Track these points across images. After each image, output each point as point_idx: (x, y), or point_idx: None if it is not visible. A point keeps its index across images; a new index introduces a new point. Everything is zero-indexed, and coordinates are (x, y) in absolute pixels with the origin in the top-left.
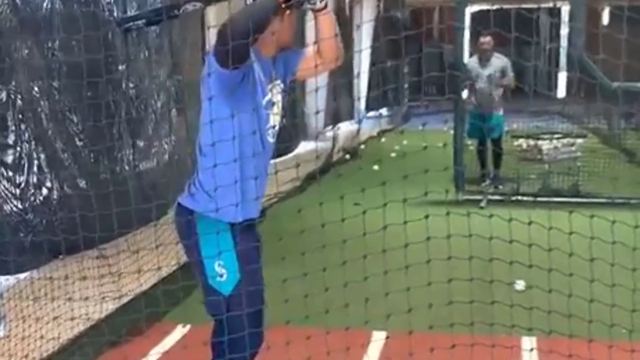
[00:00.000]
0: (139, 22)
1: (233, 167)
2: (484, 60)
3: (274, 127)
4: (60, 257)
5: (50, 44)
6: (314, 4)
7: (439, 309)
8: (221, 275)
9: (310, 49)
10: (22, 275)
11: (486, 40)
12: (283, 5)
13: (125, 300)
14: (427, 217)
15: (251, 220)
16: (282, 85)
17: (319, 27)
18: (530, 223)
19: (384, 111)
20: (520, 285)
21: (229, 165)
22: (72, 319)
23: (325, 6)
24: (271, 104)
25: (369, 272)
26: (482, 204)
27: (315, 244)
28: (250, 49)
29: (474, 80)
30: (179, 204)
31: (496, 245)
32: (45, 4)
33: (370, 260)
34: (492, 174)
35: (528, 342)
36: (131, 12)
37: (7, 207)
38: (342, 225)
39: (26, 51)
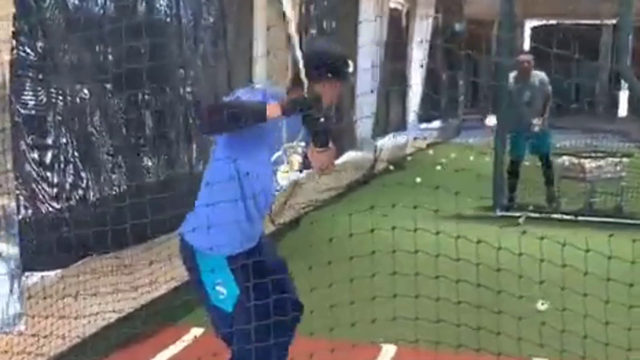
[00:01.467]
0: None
1: (230, 207)
2: (523, 78)
3: (281, 184)
4: (90, 256)
5: (101, 47)
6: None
7: (463, 326)
8: (222, 294)
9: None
10: (50, 273)
11: (526, 58)
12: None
13: (142, 302)
14: (458, 237)
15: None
16: (305, 150)
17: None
18: (564, 245)
19: (436, 124)
20: (542, 305)
21: (225, 204)
22: (89, 316)
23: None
24: (280, 161)
25: (398, 285)
26: (520, 220)
27: (343, 254)
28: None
29: (516, 98)
30: (182, 237)
31: (525, 263)
32: (97, 8)
33: (396, 274)
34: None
35: None
36: (185, 15)
37: (43, 207)
38: (372, 237)
39: (74, 53)
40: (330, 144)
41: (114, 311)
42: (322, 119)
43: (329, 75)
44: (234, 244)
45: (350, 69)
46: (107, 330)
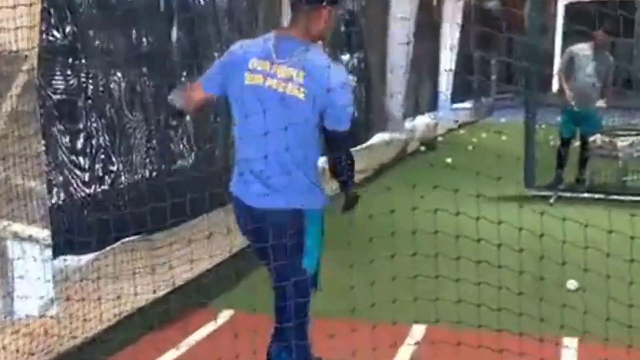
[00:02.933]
0: None
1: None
2: (595, 53)
3: None
4: (124, 240)
5: (134, 31)
6: None
7: (486, 306)
8: (313, 255)
9: None
10: (83, 257)
11: (601, 35)
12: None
13: (176, 283)
14: (477, 218)
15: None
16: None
17: None
18: (586, 225)
19: (468, 104)
20: (572, 285)
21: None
22: (122, 299)
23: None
24: None
25: (417, 265)
26: (552, 200)
27: (366, 236)
28: None
29: (573, 71)
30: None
31: (556, 244)
32: None
33: (404, 250)
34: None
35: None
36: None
37: (75, 192)
38: (394, 218)
39: (105, 37)
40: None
41: (146, 293)
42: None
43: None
44: (325, 199)
45: None
46: (141, 312)
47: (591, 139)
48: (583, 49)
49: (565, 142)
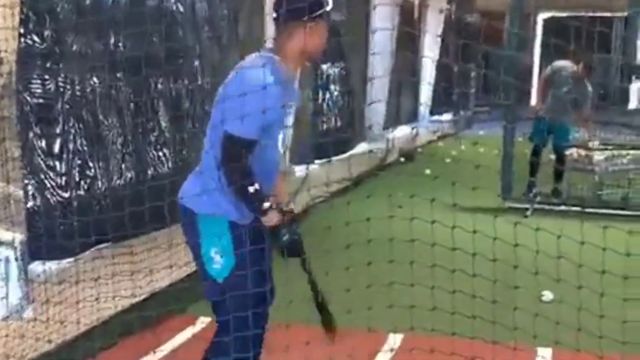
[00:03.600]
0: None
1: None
2: (574, 81)
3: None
4: (100, 246)
5: (113, 36)
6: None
7: (460, 314)
8: (218, 263)
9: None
10: (60, 262)
11: (582, 68)
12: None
13: (152, 289)
14: (453, 227)
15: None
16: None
17: None
18: (559, 237)
19: (447, 116)
20: (547, 296)
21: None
22: (98, 303)
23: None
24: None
25: (395, 275)
26: (528, 213)
27: (343, 243)
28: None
29: (553, 84)
30: (182, 203)
31: (531, 255)
32: None
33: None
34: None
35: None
36: (200, 4)
37: (51, 196)
38: (370, 225)
39: (83, 42)
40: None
41: (123, 298)
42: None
43: (308, 15)
44: (240, 212)
45: (330, 6)
46: (117, 317)
47: (567, 152)
48: (565, 67)
49: (537, 150)
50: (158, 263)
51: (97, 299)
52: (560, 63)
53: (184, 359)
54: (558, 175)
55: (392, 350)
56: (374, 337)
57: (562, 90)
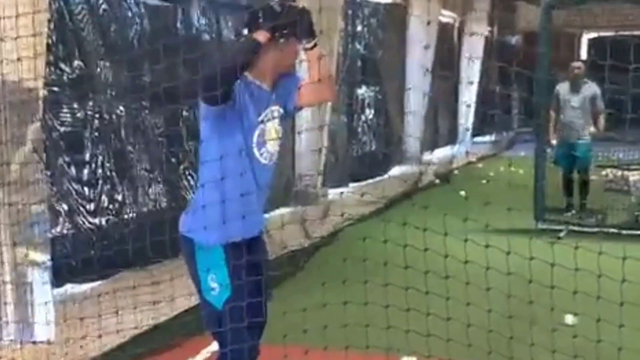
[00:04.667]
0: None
1: (215, 187)
2: (574, 87)
3: (270, 152)
4: (124, 271)
5: (137, 65)
6: (303, 43)
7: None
8: (214, 289)
9: (305, 81)
10: (85, 286)
11: (577, 65)
12: (264, 42)
13: (170, 313)
14: (487, 246)
15: (240, 242)
16: (280, 111)
17: (310, 65)
18: (600, 253)
19: (488, 137)
20: (570, 319)
21: (211, 185)
22: (119, 328)
23: (315, 45)
24: (265, 130)
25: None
26: (562, 234)
27: (378, 264)
28: (232, 90)
29: (561, 107)
30: (182, 235)
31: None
32: (134, 26)
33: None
34: (579, 204)
35: None
36: (227, 31)
37: (80, 222)
38: (406, 250)
39: (110, 72)
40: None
41: (142, 324)
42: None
43: (279, 34)
44: (234, 229)
45: (302, 27)
46: (138, 339)
47: (602, 172)
48: (563, 86)
49: (566, 171)
50: (179, 288)
51: (122, 324)
52: (560, 84)
53: None
54: (584, 192)
55: None
56: None
57: (570, 108)
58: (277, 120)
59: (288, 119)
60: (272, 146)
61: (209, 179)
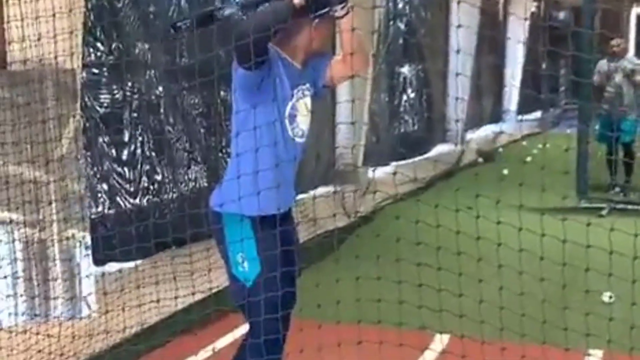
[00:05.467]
0: (187, 22)
1: (248, 158)
2: (614, 63)
3: (301, 128)
4: (163, 250)
5: (177, 45)
6: (335, 10)
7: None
8: (243, 266)
9: (337, 56)
10: (125, 265)
11: (615, 42)
12: (298, 8)
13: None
14: (520, 229)
15: (271, 217)
16: (311, 90)
17: (342, 35)
18: (637, 235)
19: (534, 114)
20: (607, 297)
21: (247, 156)
22: (159, 303)
23: (347, 12)
24: (297, 106)
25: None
26: (604, 212)
27: (414, 246)
28: (267, 51)
29: (604, 84)
30: (212, 210)
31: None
32: (172, 7)
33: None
34: (622, 181)
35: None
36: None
37: (119, 201)
38: (439, 231)
39: (149, 52)
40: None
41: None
42: None
43: (314, 14)
44: (266, 201)
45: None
46: (178, 315)
47: None
48: (602, 63)
49: (609, 149)
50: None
51: (158, 300)
52: (599, 63)
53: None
54: (627, 169)
55: (442, 351)
56: (423, 337)
57: (613, 85)
58: (308, 99)
59: (319, 98)
60: (304, 122)
61: (242, 150)
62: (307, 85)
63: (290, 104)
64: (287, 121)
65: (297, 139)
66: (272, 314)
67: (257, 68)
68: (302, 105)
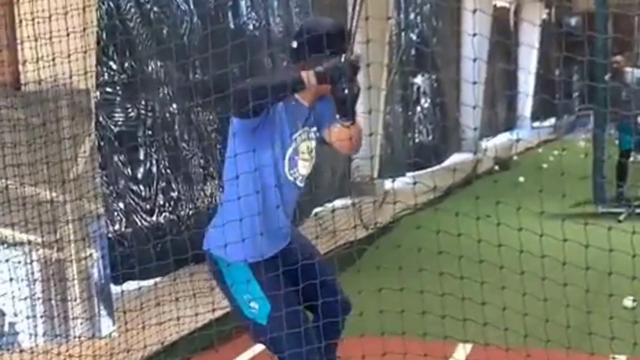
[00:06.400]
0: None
1: (241, 204)
2: (618, 78)
3: (302, 173)
4: (181, 267)
5: (189, 62)
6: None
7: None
8: (253, 307)
9: (337, 126)
10: (143, 283)
11: (618, 59)
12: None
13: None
14: (541, 235)
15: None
16: (317, 133)
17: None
18: None
19: (549, 121)
20: (630, 302)
21: (238, 202)
22: (178, 322)
23: (353, 123)
24: (299, 149)
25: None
26: (621, 217)
27: (435, 255)
28: (263, 109)
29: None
30: (207, 252)
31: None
32: (183, 24)
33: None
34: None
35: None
36: (275, 26)
37: (136, 219)
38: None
39: (162, 69)
40: (357, 118)
41: (204, 313)
42: (351, 89)
43: (326, 52)
44: (259, 247)
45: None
46: (198, 332)
47: None
48: (609, 76)
49: (625, 155)
50: None
51: (178, 318)
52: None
53: None
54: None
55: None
56: (446, 347)
57: (620, 98)
58: (313, 142)
59: (322, 145)
60: (304, 167)
61: (234, 197)
62: (314, 128)
63: (290, 148)
64: (286, 167)
65: (296, 183)
66: (295, 342)
67: (254, 116)
68: (304, 148)
